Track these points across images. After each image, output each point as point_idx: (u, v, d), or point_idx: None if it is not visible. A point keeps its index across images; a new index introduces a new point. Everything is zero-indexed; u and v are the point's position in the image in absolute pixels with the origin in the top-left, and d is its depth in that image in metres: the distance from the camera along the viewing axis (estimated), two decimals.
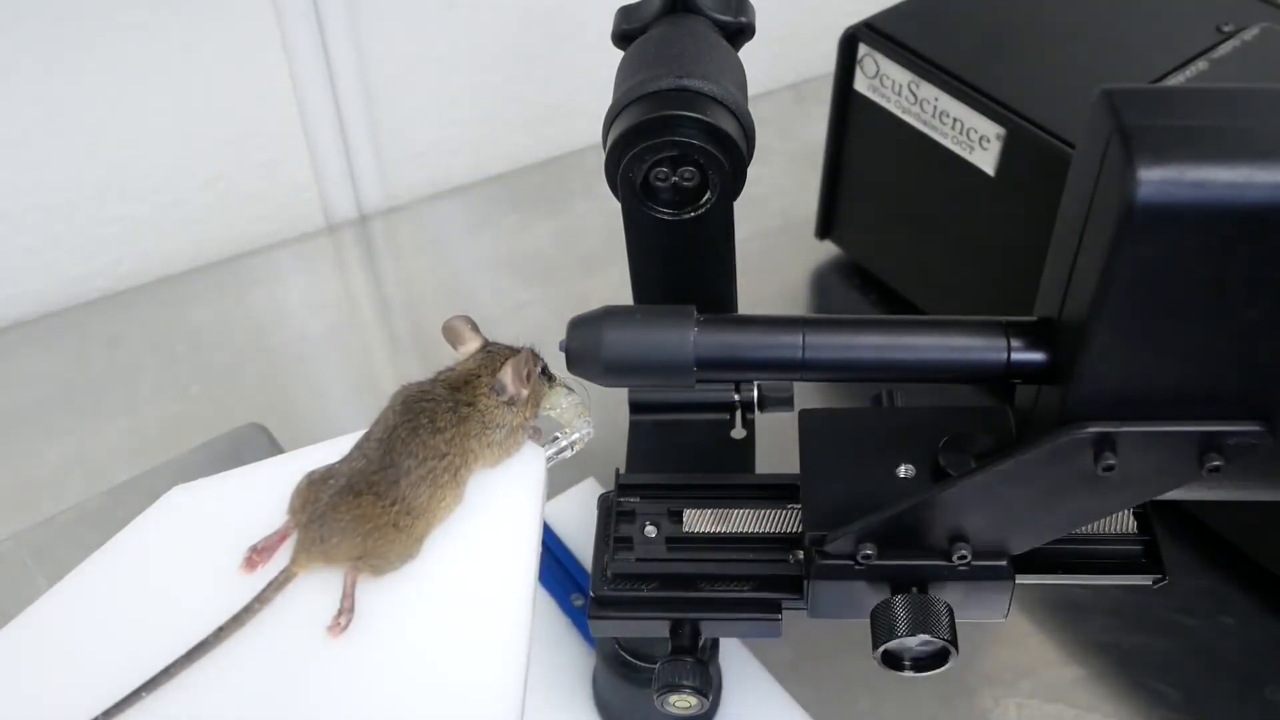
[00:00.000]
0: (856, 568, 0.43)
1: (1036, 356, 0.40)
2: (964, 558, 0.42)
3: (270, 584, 0.43)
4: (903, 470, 0.45)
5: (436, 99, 0.92)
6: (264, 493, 0.45)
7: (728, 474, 0.53)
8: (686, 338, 0.41)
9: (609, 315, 0.42)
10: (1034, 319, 0.41)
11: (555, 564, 0.66)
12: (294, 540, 0.44)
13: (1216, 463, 0.37)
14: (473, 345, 0.47)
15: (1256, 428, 0.37)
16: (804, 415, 0.48)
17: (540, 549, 0.45)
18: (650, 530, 0.49)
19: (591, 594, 0.48)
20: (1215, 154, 0.32)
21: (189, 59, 0.81)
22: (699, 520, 0.49)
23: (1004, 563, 0.43)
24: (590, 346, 0.41)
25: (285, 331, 0.84)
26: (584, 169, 0.96)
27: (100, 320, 0.85)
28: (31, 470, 0.74)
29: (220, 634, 0.42)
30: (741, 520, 0.49)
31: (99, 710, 0.40)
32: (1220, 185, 0.32)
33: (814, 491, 0.46)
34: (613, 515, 0.49)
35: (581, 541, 0.67)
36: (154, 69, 0.80)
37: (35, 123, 0.79)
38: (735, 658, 0.62)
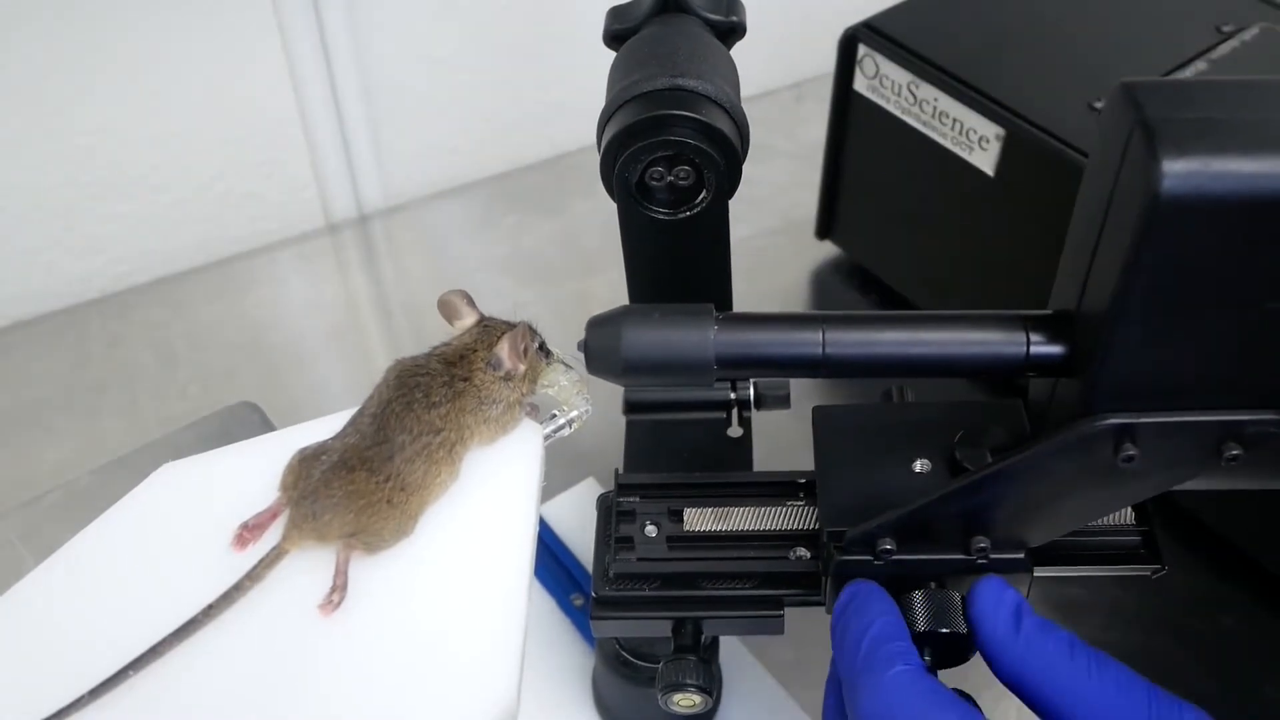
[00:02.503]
0: (875, 563, 0.43)
1: (1055, 349, 0.40)
2: (983, 550, 0.42)
3: (261, 561, 0.42)
4: (918, 465, 0.45)
5: (436, 99, 0.92)
6: (255, 470, 0.44)
7: (727, 472, 0.53)
8: (706, 336, 0.41)
9: (628, 314, 0.42)
10: (1051, 312, 0.41)
11: (555, 564, 0.66)
12: (286, 517, 0.43)
13: (1235, 452, 0.38)
14: (468, 320, 0.47)
15: (1275, 416, 0.37)
16: (818, 411, 0.48)
17: (537, 527, 0.45)
18: (651, 530, 0.49)
19: (593, 594, 0.48)
20: (1238, 145, 0.32)
21: (189, 59, 0.81)
22: (699, 519, 0.49)
23: (1022, 555, 0.43)
24: (609, 346, 0.41)
25: (285, 331, 0.84)
26: (584, 169, 0.96)
27: (100, 320, 0.85)
28: (31, 470, 0.74)
29: (210, 612, 0.41)
30: (742, 518, 0.49)
31: (84, 689, 0.39)
32: (1243, 176, 0.32)
33: (831, 487, 0.46)
34: (613, 515, 0.49)
35: (581, 541, 0.67)
36: (153, 69, 0.80)
37: (35, 123, 0.79)
38: (735, 657, 0.62)
